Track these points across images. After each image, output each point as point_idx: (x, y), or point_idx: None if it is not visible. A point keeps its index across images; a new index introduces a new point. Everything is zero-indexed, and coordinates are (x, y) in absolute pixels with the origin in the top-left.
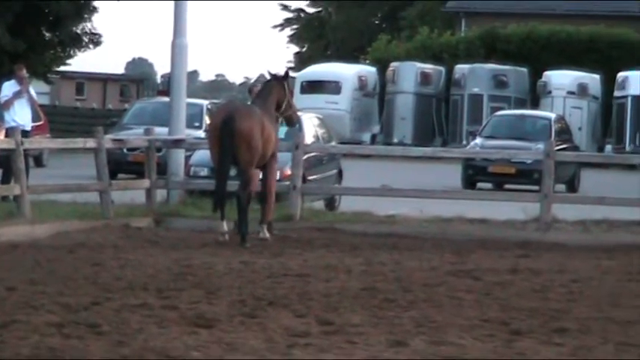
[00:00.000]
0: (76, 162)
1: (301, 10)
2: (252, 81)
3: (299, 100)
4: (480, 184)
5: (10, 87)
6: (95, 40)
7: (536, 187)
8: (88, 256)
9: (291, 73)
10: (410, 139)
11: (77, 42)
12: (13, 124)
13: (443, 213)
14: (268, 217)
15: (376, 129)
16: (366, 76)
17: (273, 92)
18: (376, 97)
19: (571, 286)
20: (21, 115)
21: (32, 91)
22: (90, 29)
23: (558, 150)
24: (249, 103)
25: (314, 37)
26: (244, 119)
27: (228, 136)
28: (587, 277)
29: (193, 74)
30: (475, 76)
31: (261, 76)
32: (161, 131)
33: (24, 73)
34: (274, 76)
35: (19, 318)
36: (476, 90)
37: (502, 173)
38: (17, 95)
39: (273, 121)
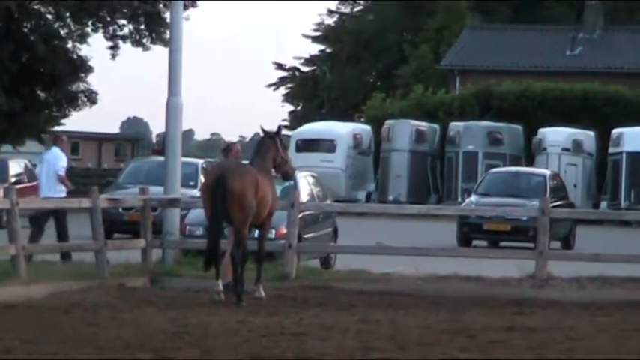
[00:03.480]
0: (71, 222)
1: (296, 68)
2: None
3: (294, 158)
4: (475, 242)
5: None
6: (92, 98)
7: (531, 244)
8: (85, 316)
9: (287, 132)
10: (405, 197)
11: (73, 101)
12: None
13: (438, 270)
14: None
15: (371, 187)
16: (361, 134)
17: (267, 150)
18: (371, 155)
19: (567, 344)
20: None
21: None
22: (86, 87)
23: (553, 207)
24: (245, 161)
25: (308, 96)
26: (237, 178)
27: (220, 196)
28: (583, 334)
29: (188, 133)
30: (470, 133)
31: (256, 135)
32: (156, 190)
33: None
34: (266, 133)
35: None
36: (471, 147)
37: (497, 230)
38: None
39: (269, 179)
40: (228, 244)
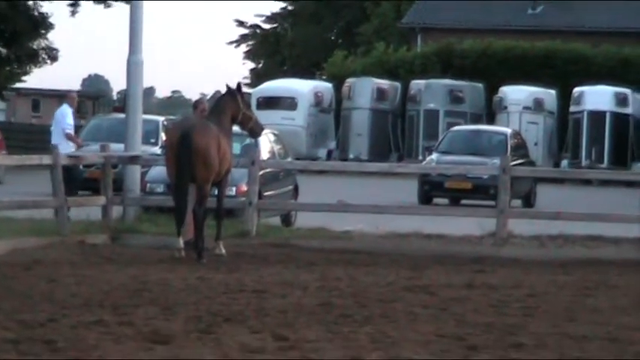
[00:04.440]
0: (32, 178)
1: (257, 26)
2: (207, 97)
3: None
4: (436, 200)
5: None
6: (52, 55)
7: (492, 203)
8: (44, 273)
9: (248, 89)
10: (366, 155)
11: (34, 58)
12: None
13: (399, 228)
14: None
15: (332, 145)
16: (322, 92)
17: (226, 107)
18: (332, 112)
19: (527, 301)
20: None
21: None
22: (46, 45)
23: (514, 165)
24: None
25: (270, 53)
26: (201, 136)
27: (186, 154)
28: (543, 292)
29: (149, 91)
30: (431, 91)
31: (217, 92)
32: (117, 147)
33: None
34: (228, 91)
35: None
36: (432, 105)
37: (458, 189)
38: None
39: (228, 136)
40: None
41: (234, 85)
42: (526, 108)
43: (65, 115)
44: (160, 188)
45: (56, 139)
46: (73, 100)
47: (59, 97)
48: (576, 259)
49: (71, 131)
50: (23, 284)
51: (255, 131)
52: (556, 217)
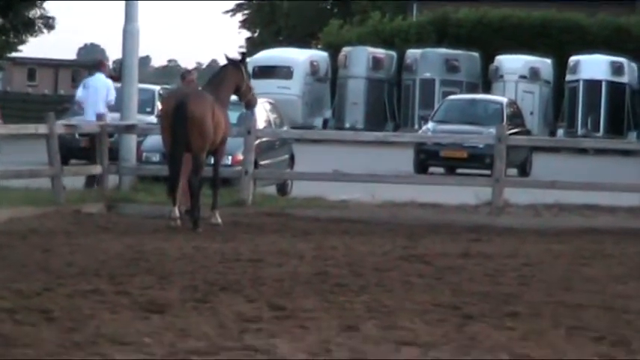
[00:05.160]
0: (28, 148)
1: None
2: (204, 66)
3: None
4: (432, 169)
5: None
6: (49, 23)
7: (488, 172)
8: (40, 242)
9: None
10: (362, 124)
11: (30, 27)
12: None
13: (395, 198)
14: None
15: (328, 114)
16: (318, 61)
17: (228, 77)
18: (328, 82)
19: (522, 270)
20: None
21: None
22: (42, 13)
23: (510, 134)
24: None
25: (266, 23)
26: (196, 105)
27: (181, 122)
28: (539, 261)
29: (145, 60)
30: (427, 60)
31: (213, 61)
32: (113, 116)
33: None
34: (231, 61)
35: None
36: (427, 75)
37: (454, 157)
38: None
39: (223, 106)
40: (184, 170)
41: (232, 55)
42: (522, 77)
43: (108, 88)
44: (156, 157)
45: (98, 108)
46: (106, 68)
47: (55, 66)
48: (572, 228)
49: (113, 104)
50: (19, 253)
51: (252, 103)
52: (552, 186)
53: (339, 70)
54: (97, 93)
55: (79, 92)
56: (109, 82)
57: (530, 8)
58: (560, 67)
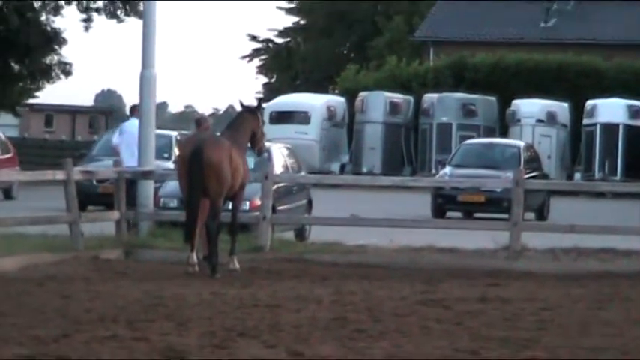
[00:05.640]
0: (45, 194)
1: (269, 40)
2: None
3: (268, 130)
4: (449, 213)
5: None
6: (66, 69)
7: (505, 216)
8: (58, 289)
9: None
10: (379, 169)
11: (47, 73)
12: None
13: (413, 242)
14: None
15: (345, 159)
16: (335, 106)
17: (245, 123)
18: (345, 126)
19: (541, 315)
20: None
21: None
22: (59, 59)
23: (527, 178)
24: (218, 134)
25: (282, 68)
26: (213, 150)
27: (197, 168)
28: (557, 305)
29: (162, 105)
30: (444, 105)
31: (230, 107)
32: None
33: None
34: (247, 108)
35: None
36: (445, 119)
37: (471, 202)
38: None
39: (242, 151)
40: (202, 216)
41: (248, 101)
42: (539, 121)
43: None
44: (174, 203)
45: (134, 152)
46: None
47: (72, 112)
48: (590, 272)
49: None
50: (37, 300)
51: (262, 149)
52: (570, 230)
53: (356, 115)
54: (132, 138)
55: (115, 138)
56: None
57: (547, 52)
58: (577, 111)
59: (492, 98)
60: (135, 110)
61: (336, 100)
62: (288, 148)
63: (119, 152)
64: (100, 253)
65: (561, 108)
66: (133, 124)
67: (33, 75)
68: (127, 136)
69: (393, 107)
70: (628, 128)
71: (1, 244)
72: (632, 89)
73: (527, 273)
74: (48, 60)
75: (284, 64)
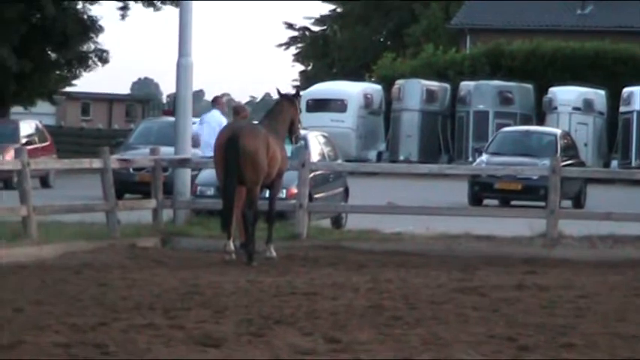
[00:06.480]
0: (82, 182)
1: (306, 28)
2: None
3: (305, 118)
4: (486, 201)
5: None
6: (103, 57)
7: (542, 203)
8: (95, 277)
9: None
10: (416, 157)
11: (84, 62)
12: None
13: (449, 230)
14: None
15: (382, 146)
16: (372, 94)
17: (284, 111)
18: (382, 114)
19: (578, 302)
20: None
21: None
22: (96, 47)
23: (564, 166)
24: (255, 122)
25: (319, 56)
26: (249, 139)
27: (233, 156)
28: (594, 292)
29: (199, 94)
30: (480, 92)
31: (267, 95)
32: (167, 151)
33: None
34: (285, 96)
35: (26, 339)
36: (481, 107)
37: (508, 190)
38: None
39: (279, 139)
40: (239, 204)
41: (284, 89)
42: (576, 108)
43: (221, 124)
44: (211, 191)
45: (209, 144)
46: (222, 105)
47: (109, 100)
48: (627, 260)
49: None
50: (74, 288)
51: (298, 137)
52: (606, 218)
53: (392, 103)
54: (210, 129)
55: (196, 127)
56: (223, 119)
57: (583, 40)
58: (614, 99)
59: (529, 86)
60: (216, 101)
61: (373, 88)
62: (324, 136)
63: (198, 142)
64: (137, 241)
65: (598, 95)
66: (212, 115)
67: (69, 63)
68: (206, 127)
69: (430, 95)
70: None
71: (39, 233)
72: None
73: (563, 260)
74: (84, 48)
75: (321, 52)
